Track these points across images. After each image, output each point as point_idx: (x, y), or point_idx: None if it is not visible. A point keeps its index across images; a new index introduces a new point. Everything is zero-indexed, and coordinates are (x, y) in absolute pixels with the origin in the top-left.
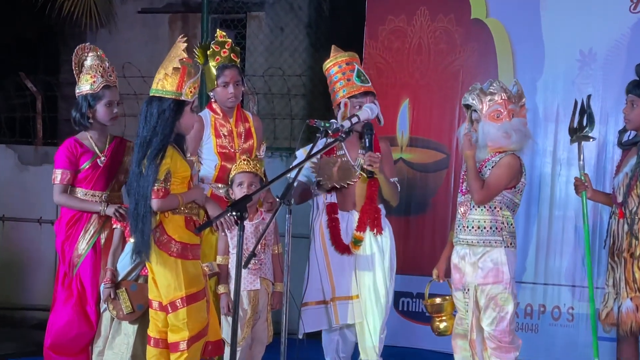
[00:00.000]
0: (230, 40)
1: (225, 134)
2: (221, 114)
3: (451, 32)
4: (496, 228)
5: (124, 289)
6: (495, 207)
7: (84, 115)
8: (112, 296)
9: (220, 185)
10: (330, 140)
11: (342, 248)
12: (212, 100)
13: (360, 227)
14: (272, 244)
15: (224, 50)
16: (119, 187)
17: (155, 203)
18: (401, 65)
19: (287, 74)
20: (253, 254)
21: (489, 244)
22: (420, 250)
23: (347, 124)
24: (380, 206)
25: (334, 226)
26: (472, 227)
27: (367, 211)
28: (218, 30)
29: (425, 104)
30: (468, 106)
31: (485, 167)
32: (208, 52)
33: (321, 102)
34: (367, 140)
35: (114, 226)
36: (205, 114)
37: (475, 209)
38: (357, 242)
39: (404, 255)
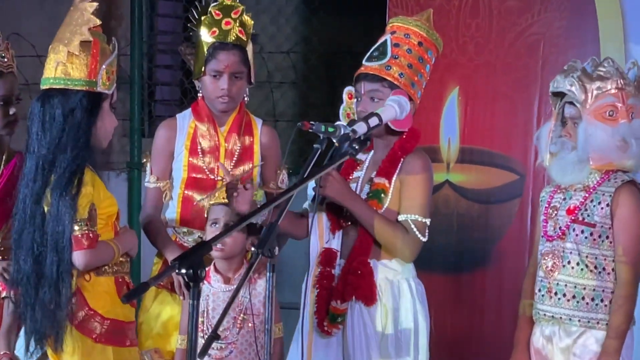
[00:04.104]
0: (241, 6)
1: (206, 149)
2: (206, 119)
3: None
4: (601, 300)
5: None
6: (604, 267)
7: None
8: None
9: (185, 230)
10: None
11: (320, 321)
12: (200, 95)
13: (337, 294)
14: (258, 318)
15: (227, 19)
16: None
17: (80, 257)
18: (446, 36)
19: (268, 50)
20: (214, 336)
21: (588, 324)
22: (478, 326)
23: (361, 128)
24: (400, 260)
25: (323, 285)
26: (564, 295)
27: (350, 269)
28: None
29: (484, 96)
30: (559, 95)
31: (593, 202)
32: (203, 19)
33: (321, 94)
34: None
35: (3, 295)
36: (185, 116)
37: (572, 267)
38: (335, 318)
39: (452, 335)
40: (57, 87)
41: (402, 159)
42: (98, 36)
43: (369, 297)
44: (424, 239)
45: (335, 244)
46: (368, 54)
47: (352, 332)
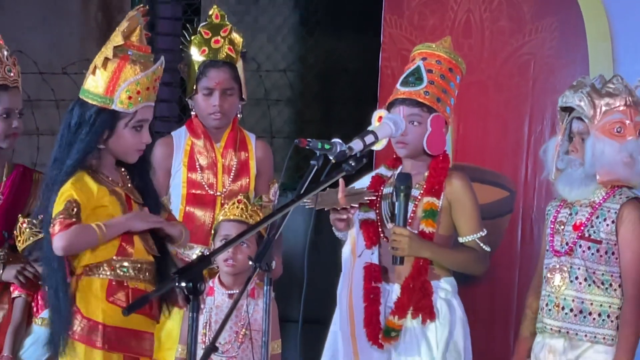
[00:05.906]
0: (229, 25)
1: (204, 165)
2: (202, 136)
3: (517, 3)
4: (608, 316)
5: None
6: (611, 283)
7: None
8: None
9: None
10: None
11: (373, 335)
12: (193, 114)
13: (398, 310)
14: (259, 334)
15: (217, 38)
16: None
17: (54, 242)
18: None
19: (265, 69)
20: (212, 348)
21: (594, 339)
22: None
23: (357, 145)
24: (448, 280)
25: (372, 301)
26: (571, 310)
27: (410, 288)
28: (215, 7)
29: (476, 115)
30: (567, 110)
31: (599, 218)
32: (192, 39)
33: (317, 112)
34: (398, 201)
35: (15, 294)
36: (180, 134)
37: (580, 283)
38: (390, 331)
39: None
40: (82, 97)
41: (444, 180)
42: (131, 53)
43: (429, 314)
44: (489, 249)
45: (375, 258)
46: (401, 79)
47: (405, 346)
